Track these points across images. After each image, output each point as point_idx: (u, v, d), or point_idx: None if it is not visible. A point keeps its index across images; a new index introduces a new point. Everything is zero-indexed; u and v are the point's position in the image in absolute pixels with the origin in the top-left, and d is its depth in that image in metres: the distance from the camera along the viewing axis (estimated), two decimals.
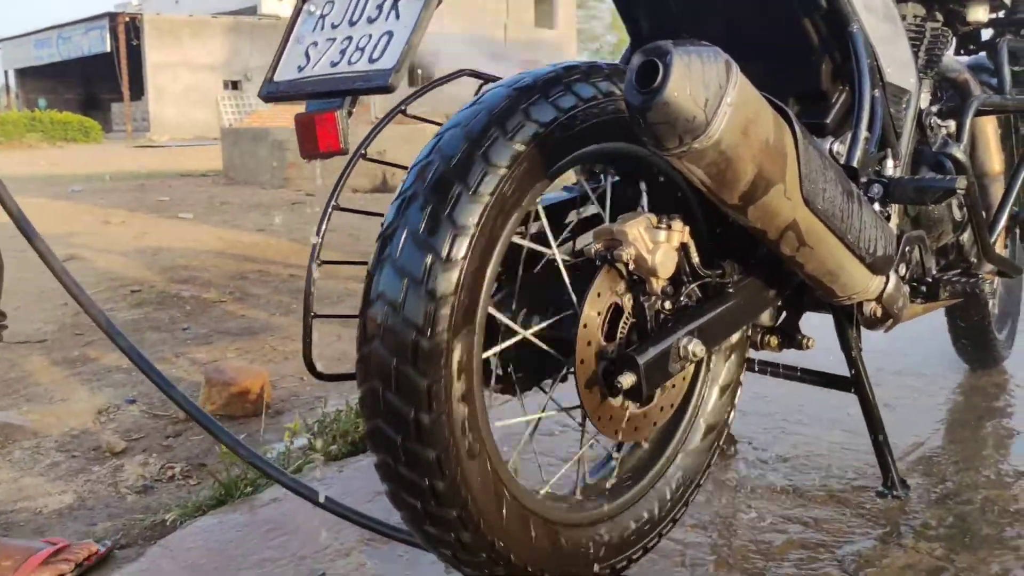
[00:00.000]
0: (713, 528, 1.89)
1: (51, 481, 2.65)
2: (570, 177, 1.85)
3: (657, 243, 1.42)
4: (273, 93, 1.20)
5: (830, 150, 1.60)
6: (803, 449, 2.32)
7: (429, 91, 1.49)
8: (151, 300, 4.97)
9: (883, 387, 2.81)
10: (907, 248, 1.90)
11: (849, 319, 1.90)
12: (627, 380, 1.37)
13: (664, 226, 1.42)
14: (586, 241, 1.46)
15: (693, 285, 1.51)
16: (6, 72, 38.58)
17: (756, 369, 2.21)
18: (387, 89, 1.07)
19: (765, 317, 1.87)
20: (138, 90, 29.10)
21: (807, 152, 1.34)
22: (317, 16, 1.21)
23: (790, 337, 1.91)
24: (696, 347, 1.44)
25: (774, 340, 1.90)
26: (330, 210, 1.36)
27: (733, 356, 1.76)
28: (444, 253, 1.19)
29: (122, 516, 2.35)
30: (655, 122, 1.17)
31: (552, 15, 31.97)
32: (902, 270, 1.89)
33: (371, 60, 1.10)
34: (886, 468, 2.03)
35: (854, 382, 2.01)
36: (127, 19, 27.89)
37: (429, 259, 1.19)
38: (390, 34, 1.10)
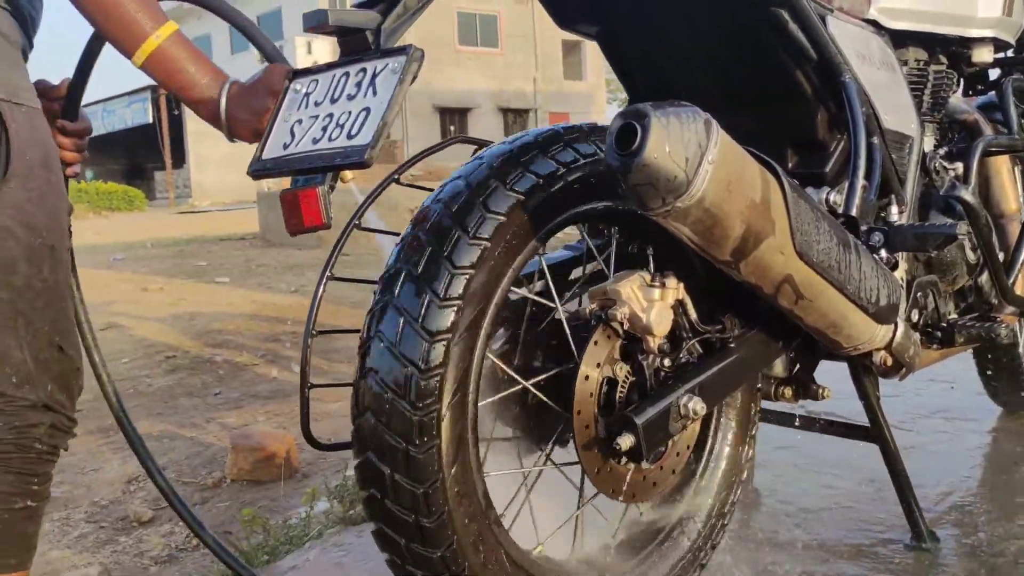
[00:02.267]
0: None
1: (78, 553, 2.67)
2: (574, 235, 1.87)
3: (651, 301, 1.41)
4: (260, 170, 1.23)
5: (827, 200, 1.59)
6: (829, 501, 2.27)
7: (423, 159, 1.51)
8: (185, 366, 5.04)
9: (914, 431, 2.75)
10: (919, 294, 1.87)
11: (865, 367, 1.87)
12: (626, 441, 1.36)
13: (658, 284, 1.42)
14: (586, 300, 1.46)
15: (693, 341, 1.50)
16: None
17: (773, 421, 2.17)
18: (364, 165, 1.10)
19: (778, 368, 1.84)
20: (180, 158, 29.87)
21: (797, 205, 1.33)
22: (302, 94, 1.25)
23: (805, 387, 1.88)
24: (697, 405, 1.43)
25: (788, 391, 1.88)
26: (325, 280, 1.38)
27: (745, 411, 1.74)
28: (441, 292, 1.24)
29: None
30: (636, 183, 1.18)
31: (581, 67, 32.33)
32: (914, 316, 1.87)
33: (350, 136, 1.13)
34: (913, 520, 1.98)
35: (874, 432, 1.97)
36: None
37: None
38: (367, 110, 1.13)
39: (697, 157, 1.18)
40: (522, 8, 29.02)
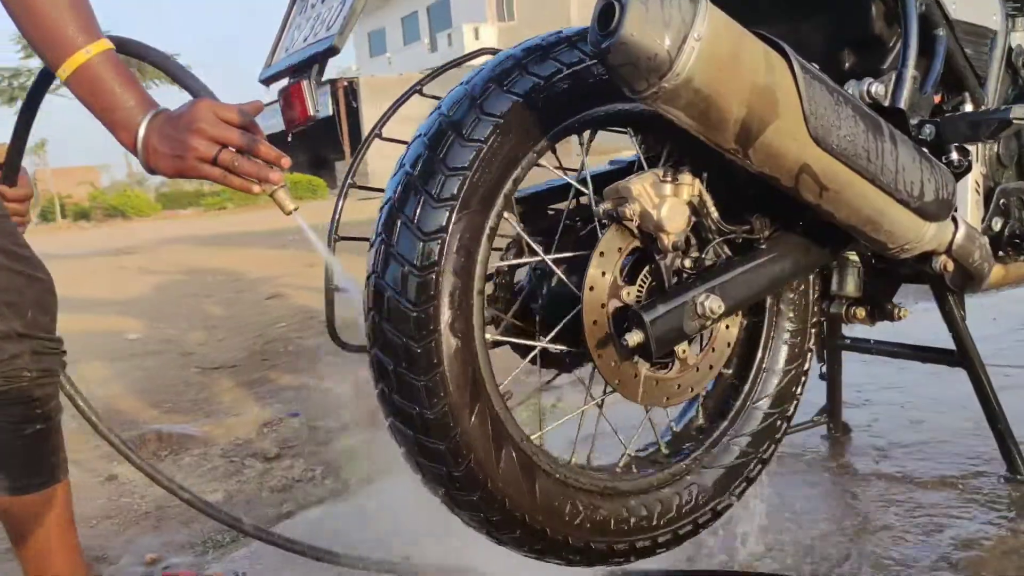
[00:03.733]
0: (804, 513, 1.77)
1: (208, 482, 2.89)
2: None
3: (663, 197, 1.38)
4: (268, 76, 1.29)
5: (868, 91, 1.49)
6: (925, 435, 2.13)
7: (446, 71, 1.54)
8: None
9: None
10: (1002, 201, 1.73)
11: (945, 287, 1.74)
12: (633, 338, 1.33)
13: (670, 179, 1.38)
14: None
15: (716, 242, 1.45)
16: None
17: (857, 349, 2.06)
18: (332, 51, 1.14)
19: (851, 287, 1.75)
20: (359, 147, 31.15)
21: (811, 87, 1.26)
22: (307, 2, 1.30)
23: (879, 308, 1.78)
24: (713, 304, 1.38)
25: (861, 312, 1.78)
26: (346, 188, 1.43)
27: (801, 324, 1.66)
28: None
29: (258, 510, 2.53)
30: (617, 64, 1.16)
31: None
32: (997, 225, 1.72)
33: (327, 29, 1.17)
34: (1006, 449, 1.83)
35: (960, 354, 1.83)
36: (345, 83, 30.03)
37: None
38: (343, 2, 1.17)
39: (680, 34, 1.14)
40: None
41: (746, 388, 1.60)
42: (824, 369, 2.17)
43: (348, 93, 30.13)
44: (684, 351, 1.44)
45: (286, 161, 1.14)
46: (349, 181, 1.42)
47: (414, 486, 1.34)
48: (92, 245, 13.95)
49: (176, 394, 3.92)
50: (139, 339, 5.27)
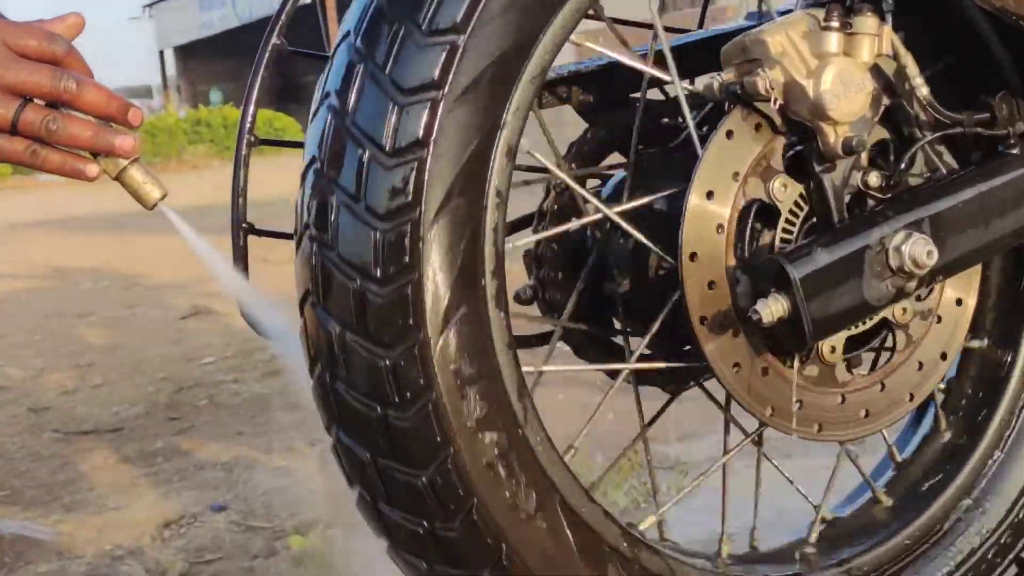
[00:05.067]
0: None
1: None
2: None
3: (825, 56, 0.78)
4: None
5: None
6: None
7: None
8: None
9: None
10: None
11: None
12: (768, 309, 0.75)
13: (836, 25, 0.78)
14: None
15: (926, 141, 0.83)
16: (161, 53, 24.61)
17: None
18: None
19: None
20: None
21: None
22: None
23: None
24: (919, 250, 0.77)
25: None
26: (247, 143, 0.86)
27: None
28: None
29: None
30: None
31: None
32: None
33: None
34: None
35: None
36: None
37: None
38: None
39: None
40: None
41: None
42: None
43: None
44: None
45: (136, 114, 0.73)
46: (247, 132, 0.79)
47: None
48: None
49: (18, 474, 2.31)
50: None
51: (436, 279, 0.72)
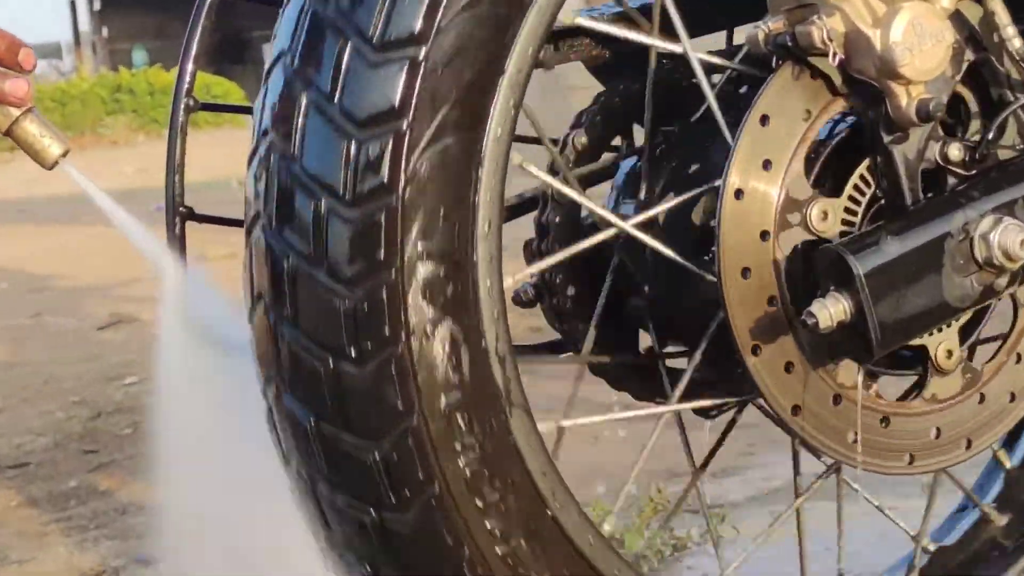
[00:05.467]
0: None
1: None
2: None
3: (896, 1, 0.64)
4: None
5: None
6: None
7: None
8: None
9: None
10: None
11: None
12: (826, 310, 0.61)
13: None
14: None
15: (1021, 103, 0.68)
16: (73, 3, 19.66)
17: None
18: None
19: None
20: None
21: None
22: None
23: None
24: (1011, 239, 0.63)
25: None
26: (185, 108, 0.72)
27: None
28: None
29: None
30: None
31: None
32: None
33: None
34: None
35: None
36: None
37: None
38: None
39: None
40: None
41: None
42: None
43: None
44: None
45: (28, 54, 0.62)
46: (184, 94, 0.67)
47: None
48: None
49: None
50: None
51: (418, 227, 0.59)
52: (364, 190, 0.58)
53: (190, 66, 0.65)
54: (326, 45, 0.59)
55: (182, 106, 0.64)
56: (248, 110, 0.63)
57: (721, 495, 1.31)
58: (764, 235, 0.64)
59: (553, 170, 0.68)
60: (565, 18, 0.63)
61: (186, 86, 0.65)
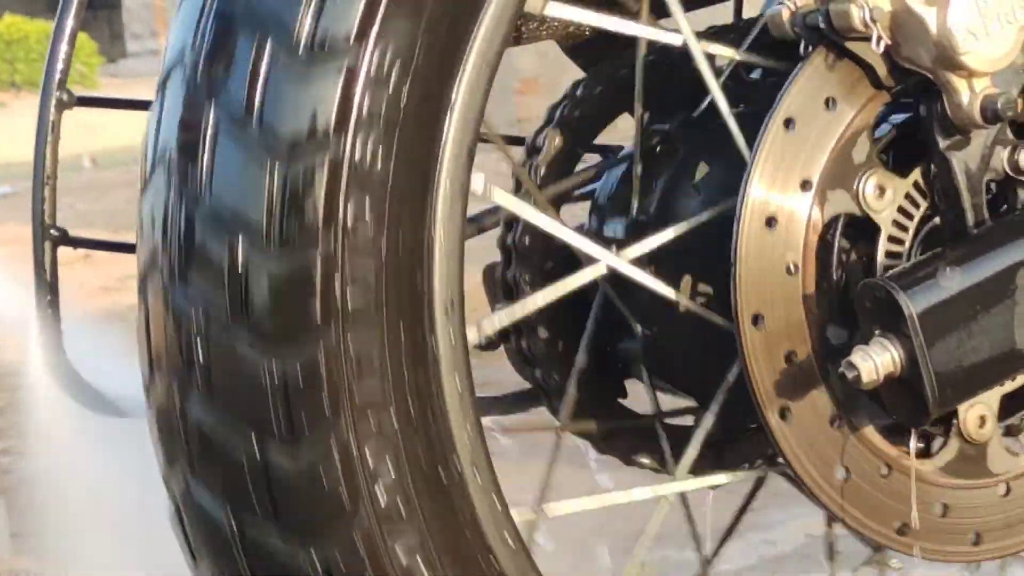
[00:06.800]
0: None
1: None
2: None
3: None
4: None
5: None
6: None
7: None
8: None
9: None
10: None
11: None
12: (870, 361, 0.49)
13: None
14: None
15: None
16: None
17: None
18: None
19: None
20: None
21: None
22: None
23: None
24: None
25: None
26: (55, 98, 0.59)
27: None
28: None
29: None
30: None
31: None
32: None
33: None
34: None
35: None
36: None
37: None
38: None
39: None
40: None
41: None
42: None
43: None
44: None
45: None
46: (56, 87, 0.53)
47: None
48: None
49: None
50: None
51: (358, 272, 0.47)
52: (292, 231, 0.46)
53: (63, 48, 0.52)
54: (238, 49, 0.47)
55: (52, 102, 0.51)
56: (142, 105, 0.50)
57: (716, 563, 1.13)
58: (791, 269, 0.52)
59: (519, 183, 0.56)
60: (533, 6, 0.50)
61: (58, 76, 0.52)
